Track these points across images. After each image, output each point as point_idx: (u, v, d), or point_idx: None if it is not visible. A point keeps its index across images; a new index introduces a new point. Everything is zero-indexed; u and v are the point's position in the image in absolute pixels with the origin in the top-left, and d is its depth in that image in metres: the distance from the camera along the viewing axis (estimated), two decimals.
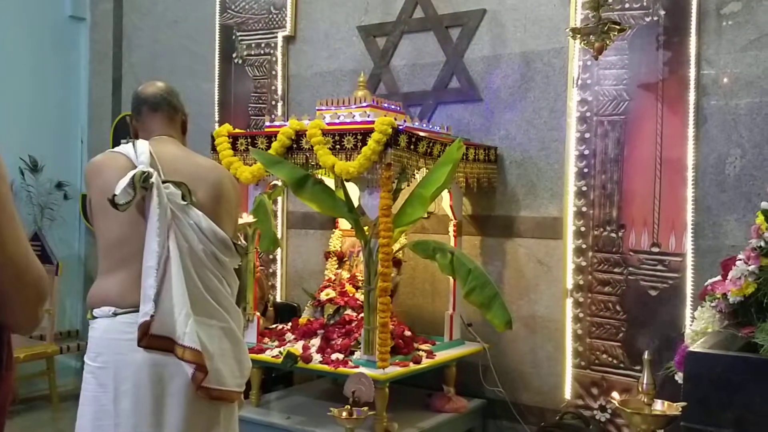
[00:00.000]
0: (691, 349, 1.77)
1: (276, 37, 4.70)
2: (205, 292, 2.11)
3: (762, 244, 2.05)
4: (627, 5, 3.49)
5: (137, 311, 2.04)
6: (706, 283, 2.31)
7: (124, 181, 2.02)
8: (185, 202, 2.12)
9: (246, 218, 3.24)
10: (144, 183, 2.05)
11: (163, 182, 2.10)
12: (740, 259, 2.07)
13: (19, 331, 1.36)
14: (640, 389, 1.87)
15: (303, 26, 4.65)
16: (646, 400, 1.82)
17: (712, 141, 3.35)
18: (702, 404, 1.62)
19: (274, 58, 4.71)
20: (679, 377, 2.05)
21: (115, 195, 1.99)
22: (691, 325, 2.31)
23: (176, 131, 2.37)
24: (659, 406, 1.86)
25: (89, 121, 5.83)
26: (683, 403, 1.69)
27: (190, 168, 2.23)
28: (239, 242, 2.28)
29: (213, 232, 2.14)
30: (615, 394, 2.25)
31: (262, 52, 4.77)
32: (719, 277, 2.21)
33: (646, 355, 1.80)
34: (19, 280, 1.28)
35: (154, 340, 2.01)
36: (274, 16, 4.71)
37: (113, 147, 5.42)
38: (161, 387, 2.07)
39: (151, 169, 2.09)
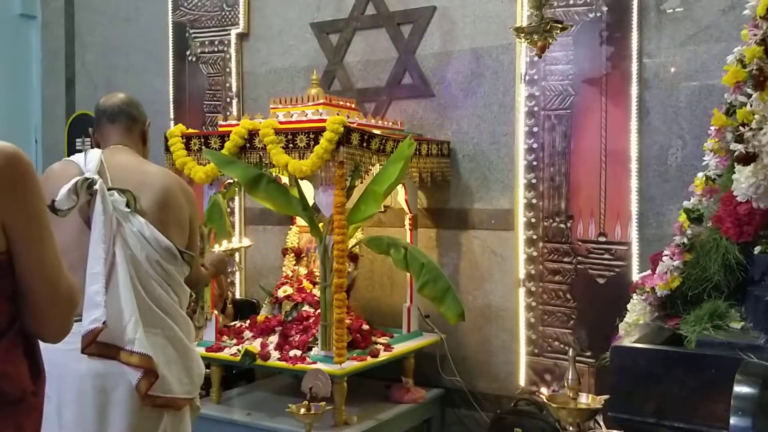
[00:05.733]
0: (615, 343, 1.86)
1: (229, 34, 4.71)
2: (148, 300, 2.12)
3: (685, 240, 2.15)
4: (571, 2, 3.57)
5: (80, 320, 2.05)
6: (635, 278, 2.42)
7: (67, 187, 2.02)
8: (128, 210, 2.13)
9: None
10: (88, 189, 2.06)
11: (109, 189, 2.11)
12: (666, 255, 2.17)
13: (49, 340, 1.42)
14: (566, 384, 1.96)
15: (256, 23, 4.66)
16: (571, 394, 1.91)
17: (655, 133, 3.46)
18: (626, 395, 1.72)
19: (227, 55, 4.72)
20: None
21: (54, 200, 1.99)
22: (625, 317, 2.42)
23: (133, 141, 2.37)
24: (584, 399, 1.95)
25: (43, 121, 5.76)
26: (606, 396, 1.78)
27: (138, 176, 2.23)
28: (187, 253, 2.24)
29: (156, 240, 2.14)
30: (544, 390, 2.35)
31: (215, 49, 4.77)
32: (649, 271, 2.32)
33: (570, 352, 1.89)
34: (54, 295, 1.36)
35: (99, 347, 2.01)
36: (227, 13, 4.71)
37: (68, 146, 5.45)
38: (104, 396, 2.08)
39: (95, 176, 2.10)
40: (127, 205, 2.12)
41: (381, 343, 3.60)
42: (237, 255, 4.35)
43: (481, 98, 3.92)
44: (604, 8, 3.50)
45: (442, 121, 4.05)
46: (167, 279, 2.18)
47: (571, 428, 1.76)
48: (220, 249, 2.94)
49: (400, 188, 3.76)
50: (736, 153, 2.20)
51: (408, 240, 3.81)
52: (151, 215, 2.16)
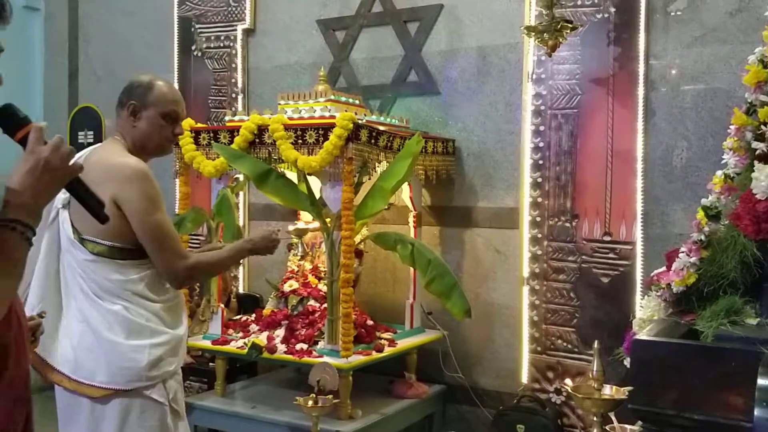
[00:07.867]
0: (636, 336, 1.89)
1: (235, 29, 4.72)
2: (68, 287, 2.22)
3: (702, 237, 2.18)
4: (579, 2, 3.60)
5: None
6: (651, 274, 2.44)
7: None
8: (61, 206, 2.25)
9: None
10: None
11: None
12: (682, 252, 2.21)
13: None
14: (590, 375, 1.99)
15: (262, 19, 4.67)
16: (596, 385, 1.94)
17: (660, 133, 3.50)
18: (646, 387, 1.75)
19: (233, 51, 4.73)
20: (627, 362, 2.18)
21: None
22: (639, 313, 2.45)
23: (121, 128, 2.32)
24: (608, 391, 1.99)
25: (45, 113, 5.75)
26: (629, 388, 1.81)
27: (92, 173, 2.02)
28: (93, 241, 2.17)
29: (65, 233, 2.22)
30: (568, 381, 2.38)
31: (221, 44, 4.78)
32: (664, 268, 2.34)
33: (596, 344, 1.92)
34: None
35: None
36: (233, 8, 4.72)
37: (70, 139, 5.44)
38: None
39: None
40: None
41: (385, 338, 3.62)
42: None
43: (487, 96, 3.95)
44: (612, 9, 3.53)
45: (447, 119, 4.07)
46: (87, 269, 2.18)
47: (594, 419, 1.79)
48: (288, 229, 3.44)
49: (405, 186, 3.78)
50: (757, 151, 2.23)
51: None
52: (75, 210, 2.19)
